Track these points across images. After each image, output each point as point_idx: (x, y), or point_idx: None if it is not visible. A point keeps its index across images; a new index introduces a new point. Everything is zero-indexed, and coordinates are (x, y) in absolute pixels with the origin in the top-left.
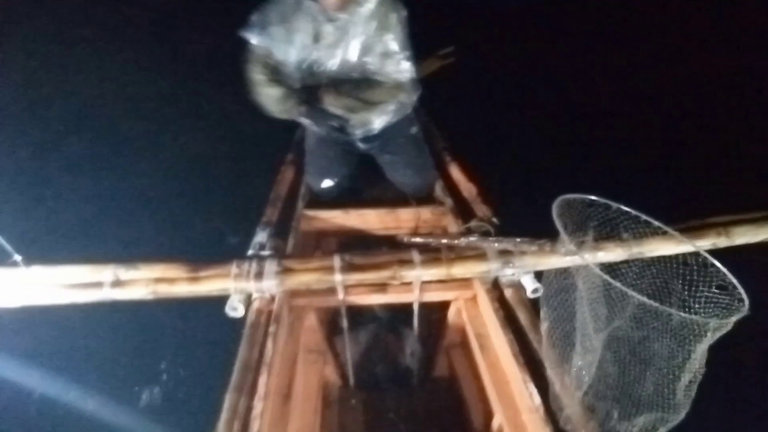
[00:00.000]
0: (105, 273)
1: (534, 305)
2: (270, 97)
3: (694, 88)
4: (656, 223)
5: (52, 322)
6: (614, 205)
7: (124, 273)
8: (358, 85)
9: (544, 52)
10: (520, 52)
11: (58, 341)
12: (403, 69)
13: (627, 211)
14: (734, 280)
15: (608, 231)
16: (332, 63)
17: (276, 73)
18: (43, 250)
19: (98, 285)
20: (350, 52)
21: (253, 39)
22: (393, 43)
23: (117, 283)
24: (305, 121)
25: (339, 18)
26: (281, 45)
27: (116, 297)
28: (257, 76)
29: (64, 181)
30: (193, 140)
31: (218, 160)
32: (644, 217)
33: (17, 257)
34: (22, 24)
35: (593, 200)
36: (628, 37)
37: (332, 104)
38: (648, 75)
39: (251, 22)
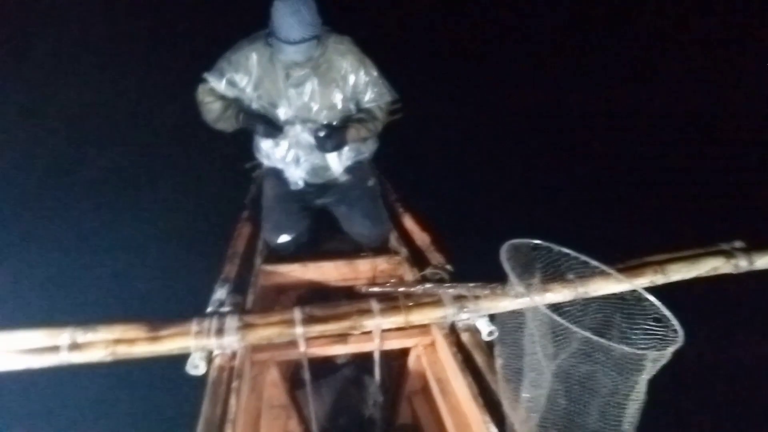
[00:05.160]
0: (62, 336)
1: (490, 347)
2: (211, 110)
3: (636, 130)
4: (594, 263)
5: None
6: (556, 247)
7: (82, 336)
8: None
9: (487, 100)
10: (464, 103)
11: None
12: (384, 93)
13: (567, 253)
14: (667, 313)
15: (553, 272)
16: (298, 103)
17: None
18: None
19: (55, 349)
20: (318, 95)
21: (213, 83)
22: (370, 73)
23: (74, 347)
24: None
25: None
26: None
27: (74, 360)
28: (203, 95)
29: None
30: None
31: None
32: (583, 257)
33: None
34: None
35: (537, 244)
36: (567, 84)
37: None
38: (588, 119)
39: (217, 69)
